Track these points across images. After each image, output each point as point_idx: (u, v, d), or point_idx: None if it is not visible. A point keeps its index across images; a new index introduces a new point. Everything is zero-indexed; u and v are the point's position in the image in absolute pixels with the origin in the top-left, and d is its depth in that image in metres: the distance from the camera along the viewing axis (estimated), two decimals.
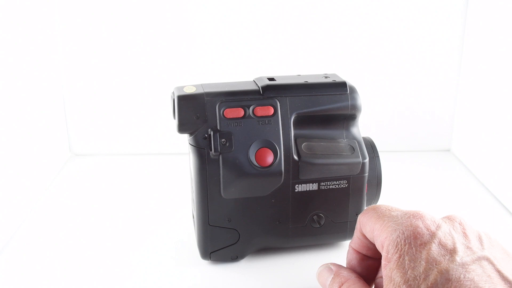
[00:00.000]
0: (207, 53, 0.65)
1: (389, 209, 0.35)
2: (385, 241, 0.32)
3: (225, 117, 0.40)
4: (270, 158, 0.41)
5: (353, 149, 0.43)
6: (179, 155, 0.65)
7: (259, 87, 0.42)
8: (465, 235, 0.33)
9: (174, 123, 0.41)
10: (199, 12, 0.64)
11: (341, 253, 0.46)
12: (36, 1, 0.59)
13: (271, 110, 0.41)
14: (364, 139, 0.45)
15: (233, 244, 0.44)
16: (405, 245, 0.31)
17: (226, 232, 0.43)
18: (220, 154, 0.40)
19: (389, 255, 0.31)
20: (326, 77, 0.44)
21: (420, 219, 0.33)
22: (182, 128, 0.40)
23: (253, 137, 0.41)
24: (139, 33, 0.65)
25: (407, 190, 0.59)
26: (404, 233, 0.32)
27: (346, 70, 0.64)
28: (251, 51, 0.65)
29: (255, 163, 0.41)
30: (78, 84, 0.67)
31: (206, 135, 0.40)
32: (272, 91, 0.41)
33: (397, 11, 0.64)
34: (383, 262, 0.32)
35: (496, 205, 0.56)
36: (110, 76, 0.66)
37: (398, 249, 0.31)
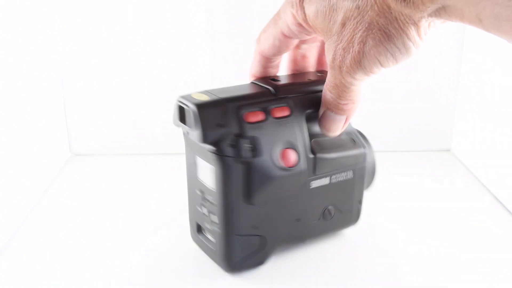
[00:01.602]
0: (207, 52, 0.65)
1: None
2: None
3: (248, 122, 0.39)
4: (294, 158, 0.41)
5: (353, 141, 0.45)
6: (180, 155, 0.65)
7: (271, 88, 0.42)
8: None
9: (181, 130, 0.40)
10: (199, 12, 0.64)
11: (345, 241, 0.48)
12: (36, 1, 0.59)
13: (287, 111, 0.41)
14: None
15: (259, 250, 0.43)
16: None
17: (252, 240, 0.42)
18: (248, 160, 0.39)
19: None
20: (319, 74, 0.45)
21: None
22: (206, 138, 0.38)
23: (275, 139, 0.40)
24: (139, 33, 0.65)
25: (407, 190, 0.59)
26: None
27: None
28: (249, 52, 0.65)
29: (281, 165, 0.40)
30: (78, 84, 0.67)
31: (232, 143, 0.39)
32: (285, 92, 0.41)
33: None
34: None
35: (496, 205, 0.56)
36: (110, 76, 0.66)
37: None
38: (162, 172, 0.64)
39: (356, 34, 0.34)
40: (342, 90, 0.38)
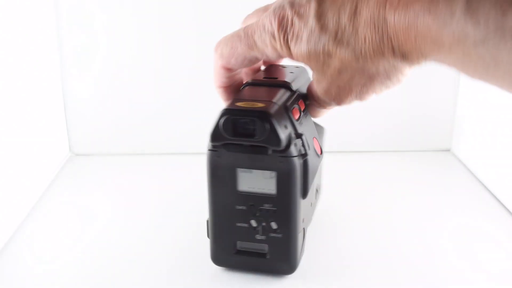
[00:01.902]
0: (205, 52, 0.65)
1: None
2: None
3: (296, 119, 0.40)
4: (320, 146, 0.43)
5: (313, 123, 0.46)
6: (180, 155, 0.65)
7: (286, 84, 0.42)
8: None
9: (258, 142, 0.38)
10: (197, 11, 0.64)
11: (344, 241, 0.47)
12: (36, 1, 0.59)
13: (304, 104, 0.42)
14: None
15: (302, 243, 0.43)
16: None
17: (301, 235, 0.42)
18: (306, 156, 0.39)
19: None
20: (284, 66, 0.46)
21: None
22: (283, 142, 0.37)
23: (308, 131, 0.41)
24: (138, 33, 0.65)
25: (407, 190, 0.59)
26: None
27: None
28: None
29: (319, 154, 0.42)
30: (78, 84, 0.67)
31: (295, 142, 0.38)
32: (295, 86, 0.43)
33: None
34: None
35: (496, 205, 0.56)
36: (110, 76, 0.66)
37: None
38: (162, 172, 0.64)
39: (353, 79, 0.35)
40: (331, 106, 0.40)
